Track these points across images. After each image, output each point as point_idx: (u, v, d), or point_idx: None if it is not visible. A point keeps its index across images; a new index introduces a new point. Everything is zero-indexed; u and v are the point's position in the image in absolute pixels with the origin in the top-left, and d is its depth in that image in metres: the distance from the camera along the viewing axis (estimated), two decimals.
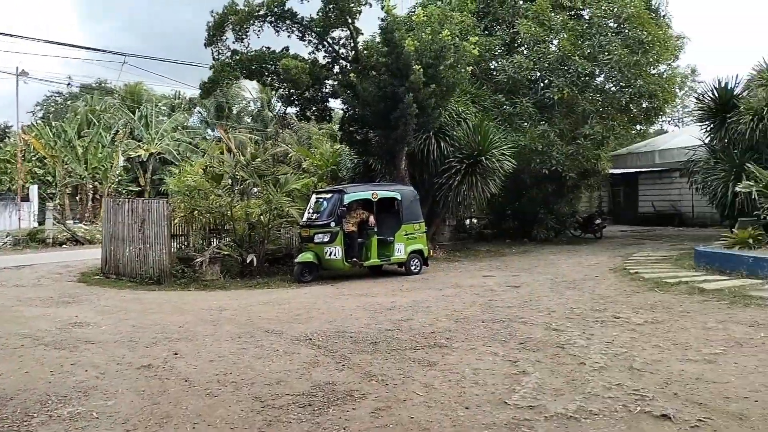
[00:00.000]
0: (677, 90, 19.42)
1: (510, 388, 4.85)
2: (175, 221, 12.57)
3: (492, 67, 18.79)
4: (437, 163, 15.39)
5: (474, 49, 14.46)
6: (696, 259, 10.85)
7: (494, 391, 4.77)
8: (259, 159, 16.32)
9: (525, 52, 17.57)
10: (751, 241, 10.64)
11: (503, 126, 16.55)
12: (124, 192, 28.15)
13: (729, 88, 13.89)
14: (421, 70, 13.08)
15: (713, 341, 6.04)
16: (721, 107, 13.91)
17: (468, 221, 21.30)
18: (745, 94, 13.58)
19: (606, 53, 16.59)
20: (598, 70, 17.00)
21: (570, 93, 16.32)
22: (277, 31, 15.02)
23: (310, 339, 6.77)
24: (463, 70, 14.39)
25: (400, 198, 12.37)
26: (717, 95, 14.02)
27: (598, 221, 20.05)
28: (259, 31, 14.81)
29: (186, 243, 12.69)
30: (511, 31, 18.23)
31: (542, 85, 17.97)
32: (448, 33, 13.71)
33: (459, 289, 10.16)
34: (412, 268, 12.29)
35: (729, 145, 13.68)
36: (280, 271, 12.75)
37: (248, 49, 14.77)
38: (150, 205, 12.33)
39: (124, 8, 74.83)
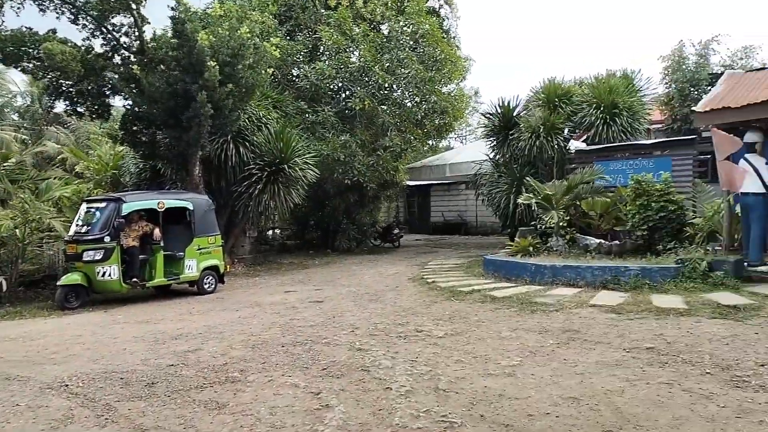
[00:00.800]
0: (465, 108, 20.89)
1: (312, 428, 4.22)
2: None
3: (294, 73, 18.30)
4: (236, 170, 14.36)
5: (275, 50, 13.79)
6: (485, 266, 11.47)
7: None
8: (12, 160, 13.55)
9: (327, 60, 17.40)
10: (531, 249, 11.57)
11: (306, 134, 16.11)
12: None
13: (511, 107, 15.19)
14: (217, 67, 12.00)
15: (510, 351, 6.13)
16: (504, 125, 15.14)
17: (270, 232, 20.46)
18: (524, 113, 14.95)
19: (403, 68, 17.14)
20: (396, 84, 17.49)
21: (371, 104, 16.51)
22: (42, 10, 12.71)
23: (66, 385, 5.42)
24: (263, 72, 13.62)
25: (192, 208, 11.12)
26: (501, 113, 15.23)
27: (396, 231, 20.68)
28: (18, 7, 12.39)
29: None
30: (314, 37, 17.94)
31: (344, 95, 17.98)
32: (248, 30, 12.83)
33: (258, 308, 9.33)
34: (206, 286, 11.11)
35: (511, 160, 14.93)
36: (39, 296, 10.66)
37: (2, 26, 12.27)
38: None
39: None
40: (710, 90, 14.55)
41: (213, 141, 13.54)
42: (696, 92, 16.25)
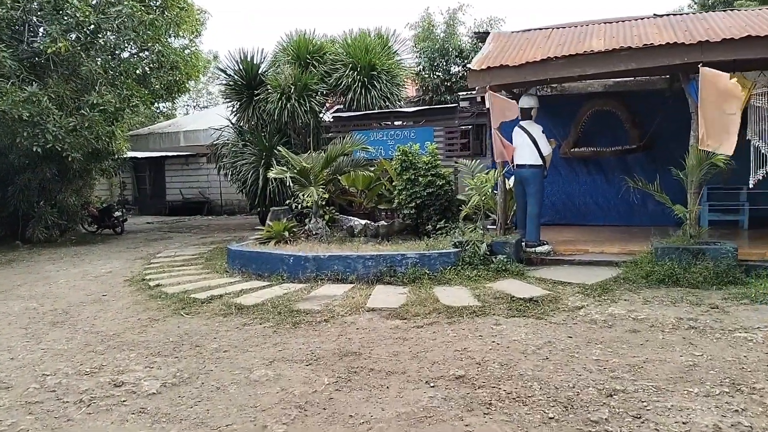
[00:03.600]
0: (202, 69, 17.56)
1: None
2: None
3: None
4: None
5: None
6: (230, 260, 8.92)
7: None
8: None
9: None
10: (287, 234, 9.39)
11: None
12: None
13: (255, 62, 12.67)
14: None
15: (266, 413, 3.82)
16: (247, 83, 12.58)
17: None
18: (271, 70, 12.57)
19: (114, 4, 13.24)
20: (106, 24, 13.47)
21: (68, 48, 12.31)
22: None
23: None
24: None
25: None
26: (242, 69, 12.62)
27: (117, 213, 16.61)
28: None
29: None
30: None
31: (31, 33, 13.30)
32: None
33: None
34: None
35: (258, 127, 12.49)
36: None
37: None
38: None
39: None
40: (472, 56, 14.13)
41: None
42: (445, 62, 15.86)
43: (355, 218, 9.88)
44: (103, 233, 16.48)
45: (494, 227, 8.58)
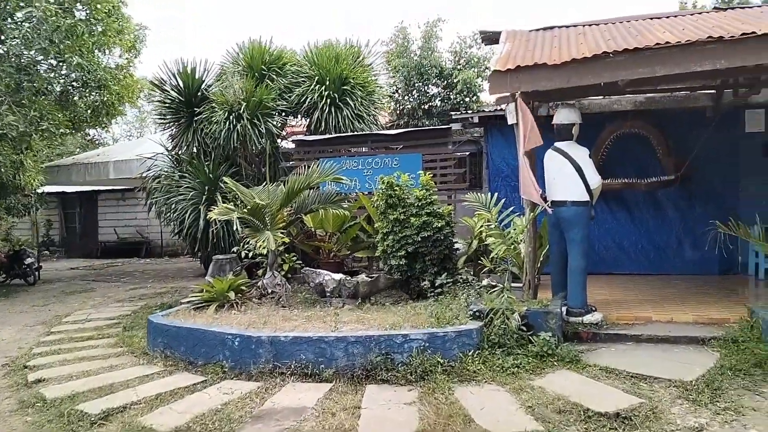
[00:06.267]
0: (136, 91, 14.89)
1: None
2: None
3: None
4: None
5: None
6: (150, 338, 6.30)
7: None
8: None
9: None
10: (233, 295, 6.90)
11: None
12: None
13: (197, 75, 10.25)
14: None
15: None
16: (187, 101, 10.15)
17: None
18: (217, 85, 10.16)
19: (25, 4, 10.71)
20: (10, 29, 10.89)
21: None
22: None
23: None
24: None
25: None
26: (181, 84, 10.18)
27: (29, 260, 13.63)
28: None
29: None
30: None
31: None
32: None
33: None
34: None
35: (200, 154, 10.00)
36: None
37: None
38: None
39: None
40: (455, 74, 11.91)
41: None
42: (423, 83, 13.84)
43: (326, 272, 7.48)
44: (11, 283, 13.48)
45: (517, 285, 6.34)
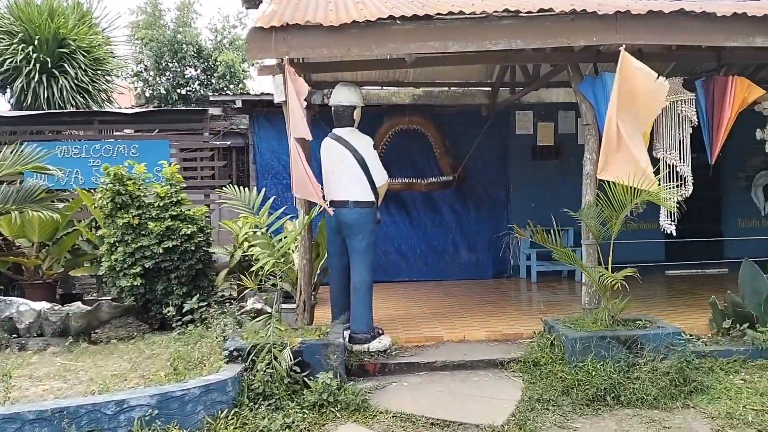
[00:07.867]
0: None
1: None
2: None
3: None
4: None
5: None
6: None
7: None
8: None
9: None
10: None
11: None
12: None
13: None
14: None
15: None
16: None
17: None
18: None
19: None
20: None
21: None
22: None
23: None
24: None
25: None
26: None
27: None
28: None
29: None
30: None
31: None
32: None
33: None
34: None
35: None
36: None
37: None
38: None
39: None
40: (215, 55, 10.02)
41: None
42: (178, 62, 11.80)
43: (22, 300, 5.27)
44: None
45: (291, 306, 5.05)
